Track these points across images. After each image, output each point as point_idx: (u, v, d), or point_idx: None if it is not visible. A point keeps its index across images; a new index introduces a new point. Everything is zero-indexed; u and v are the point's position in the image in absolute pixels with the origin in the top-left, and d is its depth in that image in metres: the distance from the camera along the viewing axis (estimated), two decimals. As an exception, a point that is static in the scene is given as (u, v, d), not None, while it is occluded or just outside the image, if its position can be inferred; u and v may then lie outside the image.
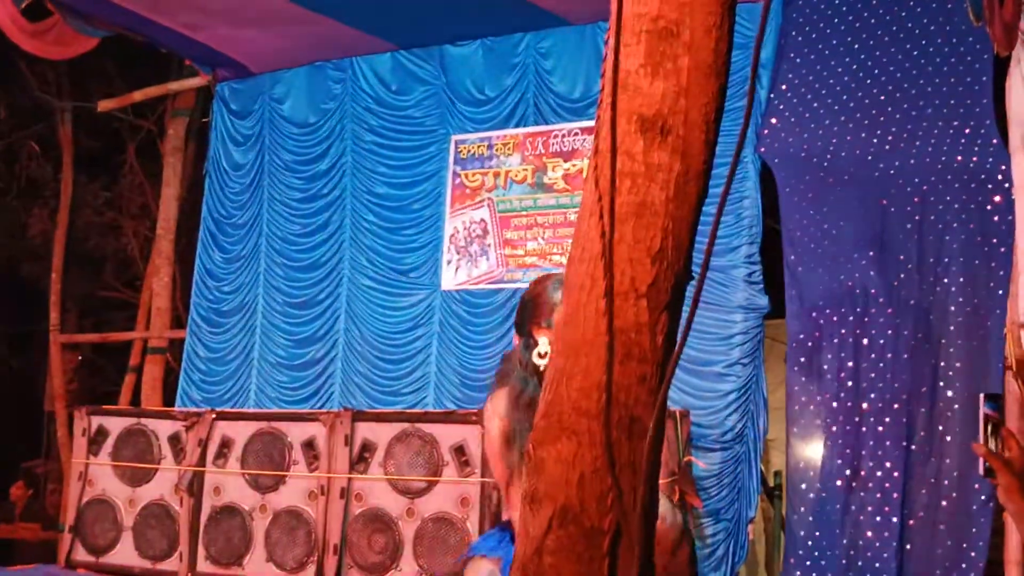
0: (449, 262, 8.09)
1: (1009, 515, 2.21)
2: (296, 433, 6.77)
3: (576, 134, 7.73)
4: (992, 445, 2.24)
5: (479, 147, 8.12)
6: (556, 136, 7.82)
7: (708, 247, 1.97)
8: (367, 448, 6.60)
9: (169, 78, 10.58)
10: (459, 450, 6.34)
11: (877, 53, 6.43)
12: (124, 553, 7.03)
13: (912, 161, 6.25)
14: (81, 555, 7.14)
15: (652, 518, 2.02)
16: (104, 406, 8.07)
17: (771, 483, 7.64)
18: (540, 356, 3.07)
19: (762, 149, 6.78)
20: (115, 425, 7.23)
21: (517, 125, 8.01)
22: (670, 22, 2.19)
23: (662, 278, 2.11)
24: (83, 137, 12.63)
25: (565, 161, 7.74)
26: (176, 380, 9.52)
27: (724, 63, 2.22)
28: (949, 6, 6.29)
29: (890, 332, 6.09)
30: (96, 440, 7.27)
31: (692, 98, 2.15)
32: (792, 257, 6.44)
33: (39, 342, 14.05)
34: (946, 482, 5.77)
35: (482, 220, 8.02)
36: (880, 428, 5.97)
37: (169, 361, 10.31)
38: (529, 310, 3.16)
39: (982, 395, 2.31)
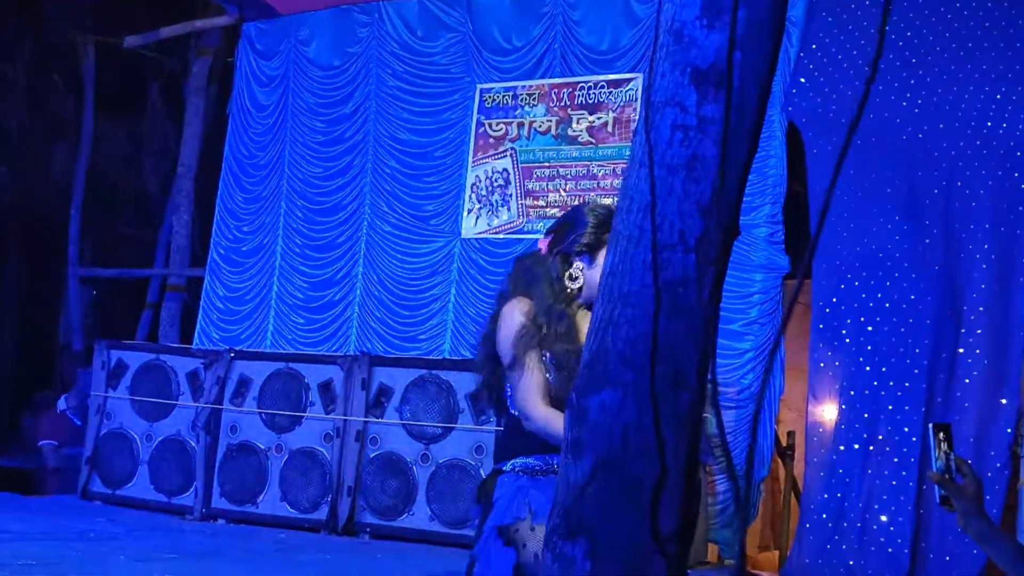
0: (470, 211, 8.06)
1: (972, 538, 2.24)
2: (314, 375, 6.78)
3: (602, 87, 7.67)
4: (945, 472, 2.29)
5: (504, 96, 8.06)
6: (582, 88, 7.75)
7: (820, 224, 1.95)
8: (384, 393, 6.61)
9: (195, 16, 10.50)
10: (475, 398, 6.35)
11: (910, 15, 6.34)
12: (140, 486, 7.07)
13: (942, 126, 6.18)
14: (97, 487, 7.18)
15: (694, 472, 2.01)
16: (124, 341, 8.09)
17: (784, 443, 7.64)
18: (571, 279, 3.16)
19: (789, 108, 6.71)
20: (134, 360, 7.25)
21: (543, 76, 7.95)
22: (730, -27, 2.15)
23: (711, 232, 2.09)
24: (106, 74, 12.57)
25: (590, 114, 7.67)
26: (193, 318, 9.53)
27: (780, 18, 2.18)
28: (987, -32, 6.20)
29: (913, 297, 6.05)
30: (115, 374, 7.29)
31: (748, 51, 2.12)
32: (817, 218, 6.38)
33: (57, 276, 14.08)
34: (962, 448, 5.76)
35: (504, 170, 7.97)
36: (899, 393, 5.95)
37: (187, 300, 10.32)
38: (565, 232, 3.19)
39: (931, 424, 2.34)
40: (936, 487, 2.28)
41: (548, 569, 1.98)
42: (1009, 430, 5.65)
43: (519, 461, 3.27)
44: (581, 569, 1.92)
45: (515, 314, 3.12)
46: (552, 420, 3.02)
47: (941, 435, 2.31)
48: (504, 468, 3.29)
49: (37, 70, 12.73)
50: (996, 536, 2.23)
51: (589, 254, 3.18)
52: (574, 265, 3.19)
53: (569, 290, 3.16)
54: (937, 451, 2.31)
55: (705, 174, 2.11)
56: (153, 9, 11.59)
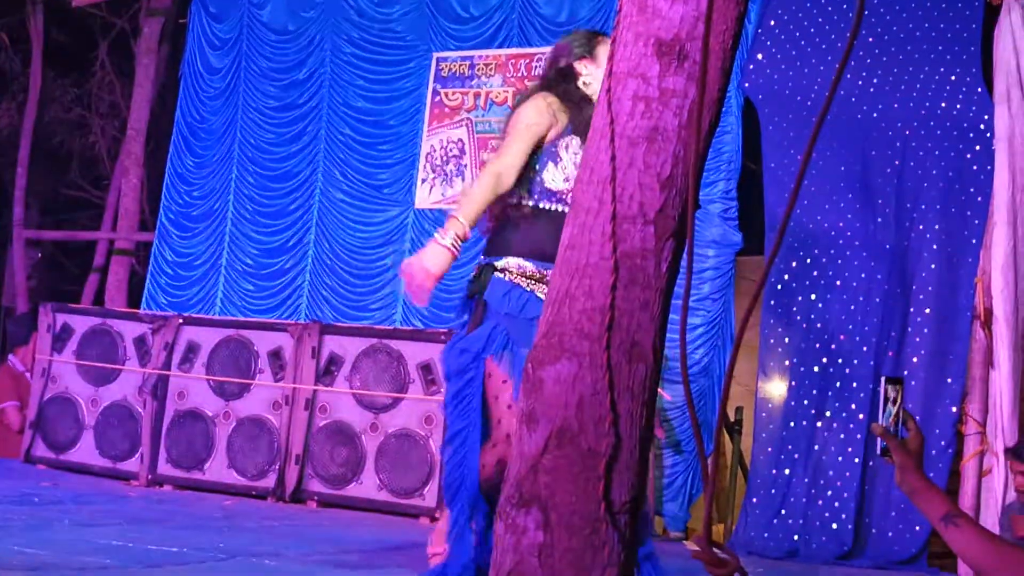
0: (424, 180, 8.04)
1: (906, 493, 2.29)
2: (263, 342, 6.74)
3: (560, 58, 7.64)
4: (891, 426, 2.32)
5: (461, 66, 8.02)
6: (539, 59, 7.72)
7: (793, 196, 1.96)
8: (334, 361, 6.58)
9: (146, -25, 10.35)
10: (425, 368, 6.34)
11: (868, -5, 6.38)
12: (84, 451, 7.00)
13: (896, 105, 6.24)
14: (41, 451, 7.10)
15: (647, 443, 2.03)
16: (70, 304, 7.99)
17: (732, 418, 7.71)
18: (585, 85, 3.59)
19: (746, 84, 6.74)
20: (80, 324, 7.16)
21: (500, 46, 7.92)
22: (694, -56, 2.15)
23: (670, 205, 2.10)
24: (54, 31, 12.35)
25: (548, 85, 7.66)
26: (141, 283, 9.44)
27: (745, -10, 2.19)
28: (944, -49, 6.25)
29: (863, 275, 6.12)
30: (60, 337, 7.20)
31: (711, 24, 2.12)
32: (772, 196, 6.43)
33: (1, 237, 13.88)
34: (907, 426, 5.84)
35: (460, 140, 7.95)
36: (847, 370, 6.02)
37: (134, 264, 10.22)
38: (557, 61, 3.62)
39: (883, 377, 2.38)
40: (879, 439, 2.31)
41: (501, 539, 1.99)
42: (954, 408, 5.74)
43: (513, 261, 3.36)
44: (533, 539, 1.93)
45: (531, 104, 3.50)
46: (482, 176, 3.47)
47: (892, 388, 2.34)
48: (497, 264, 3.39)
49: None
50: (930, 492, 2.26)
51: (589, 55, 3.61)
52: (583, 73, 3.59)
53: (587, 92, 3.53)
54: (886, 404, 2.34)
55: (666, 146, 2.11)
56: (104, -33, 11.41)
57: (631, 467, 1.97)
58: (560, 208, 3.50)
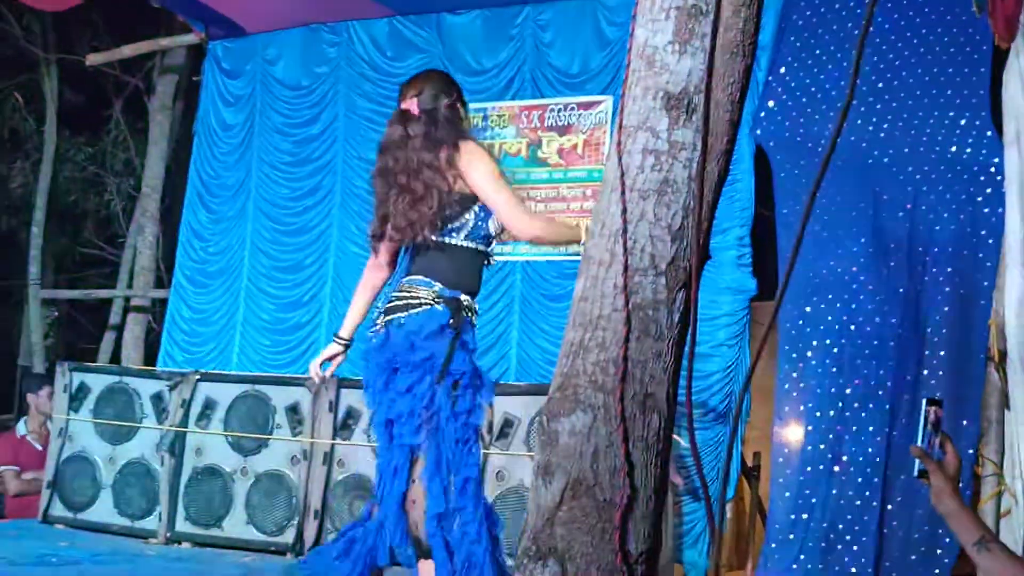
0: (439, 232, 8.08)
1: (942, 515, 2.30)
2: (280, 397, 6.76)
3: (572, 108, 7.73)
4: (930, 448, 2.34)
5: (474, 118, 8.07)
6: (552, 110, 7.81)
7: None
8: (351, 415, 6.60)
9: (159, 34, 10.49)
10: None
11: (877, 40, 6.44)
12: (102, 511, 7.00)
13: (906, 150, 6.28)
14: (59, 511, 7.11)
15: (663, 493, 2.05)
16: (87, 363, 8.03)
17: (750, 463, 7.70)
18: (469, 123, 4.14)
19: (757, 131, 6.79)
20: (97, 382, 7.19)
21: (513, 97, 8.00)
22: (700, 0, 2.21)
23: (681, 256, 2.14)
24: (68, 91, 12.54)
25: (560, 135, 7.73)
26: (157, 340, 9.49)
27: (751, 43, 2.24)
28: (951, -4, 6.32)
29: (877, 320, 6.13)
30: (77, 396, 7.23)
31: (719, 77, 2.17)
32: (784, 241, 6.47)
33: (17, 296, 13.98)
34: (926, 469, 5.82)
35: (473, 191, 8.00)
36: (863, 414, 6.02)
37: (151, 321, 10.28)
38: (428, 89, 4.04)
39: (924, 399, 2.40)
40: (917, 461, 2.33)
41: (519, 591, 2.01)
42: (971, 451, 5.72)
43: (466, 297, 3.87)
44: (552, 591, 1.95)
45: (484, 152, 3.89)
46: (545, 222, 3.98)
47: (932, 410, 2.36)
48: (462, 300, 3.85)
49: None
50: (965, 516, 2.28)
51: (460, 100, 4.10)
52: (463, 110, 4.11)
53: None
54: (925, 426, 2.36)
55: (676, 198, 2.16)
56: (116, 27, 11.58)
57: (647, 517, 1.99)
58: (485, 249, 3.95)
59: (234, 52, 9.22)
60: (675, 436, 6.32)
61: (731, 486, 6.87)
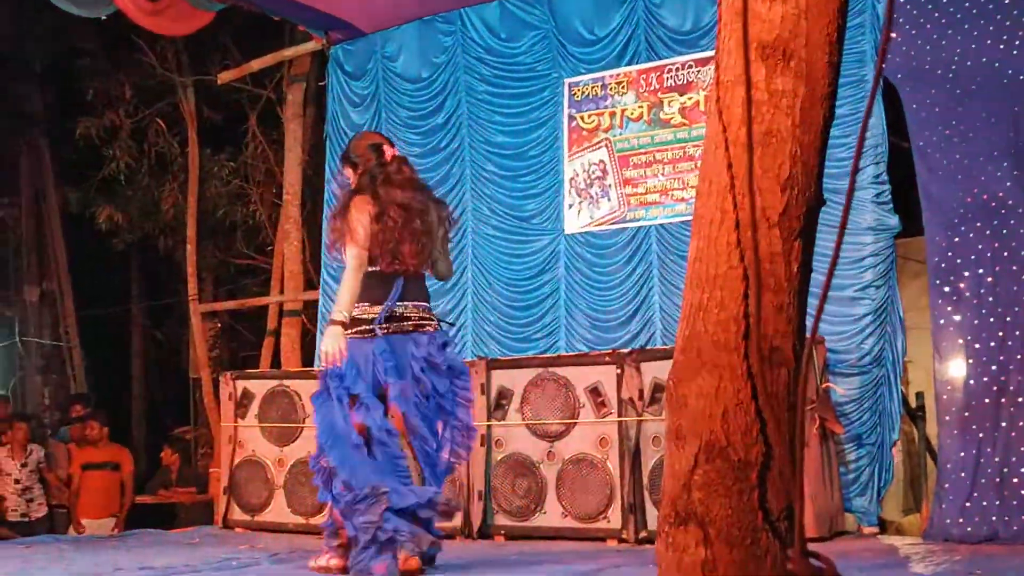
0: (571, 205, 8.08)
1: None
2: (433, 385, 6.86)
3: (690, 66, 7.62)
4: None
5: (593, 88, 8.06)
6: (670, 70, 7.71)
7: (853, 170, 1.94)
8: (503, 395, 6.67)
9: (284, 45, 10.72)
10: (594, 391, 6.37)
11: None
12: (277, 511, 7.24)
13: (1043, 65, 6.00)
14: (237, 514, 7.38)
15: (799, 447, 2.01)
16: (247, 370, 8.29)
17: (913, 404, 7.49)
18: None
19: (883, 65, 6.57)
20: (259, 388, 7.42)
21: (629, 62, 7.92)
22: (784, -57, 2.14)
23: (793, 205, 2.09)
24: (205, 110, 12.92)
25: (680, 95, 7.63)
26: (313, 340, 9.72)
27: (843, -18, 2.16)
28: None
29: (1030, 243, 5.88)
30: (242, 403, 7.47)
31: (813, 20, 2.11)
32: (924, 175, 6.25)
33: (180, 313, 14.51)
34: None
35: (601, 161, 7.97)
36: (1026, 341, 5.79)
37: (305, 322, 10.55)
38: (360, 163, 5.11)
39: None
40: None
41: (662, 558, 1.99)
42: None
43: None
44: (695, 556, 1.94)
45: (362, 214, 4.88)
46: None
47: None
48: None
49: (138, 113, 13.13)
50: None
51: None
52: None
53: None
54: None
55: (781, 148, 2.11)
56: (243, 44, 11.88)
57: (784, 473, 1.95)
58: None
59: (354, 54, 9.36)
60: (831, 384, 6.20)
61: (895, 429, 6.69)
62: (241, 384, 7.54)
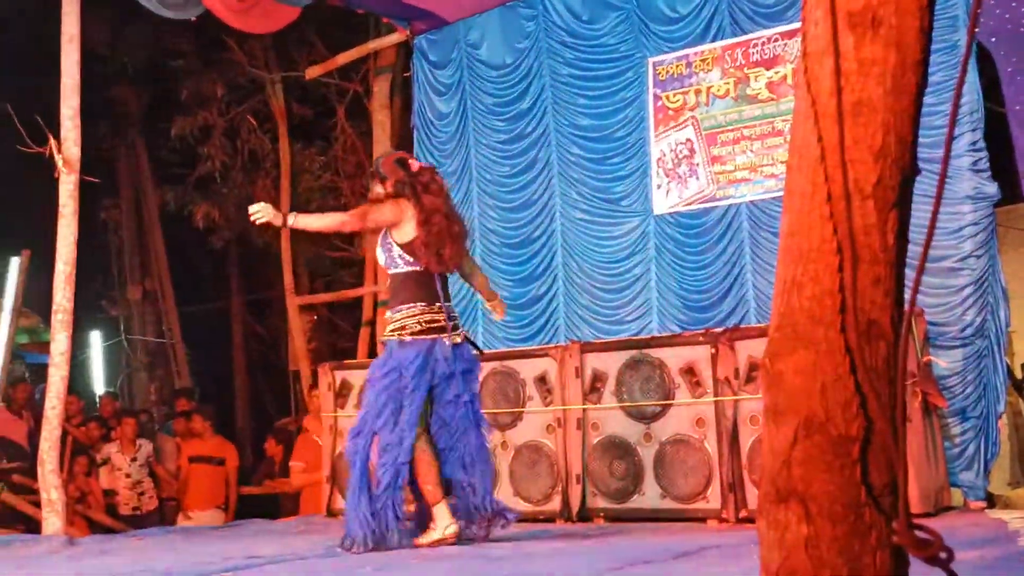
0: (659, 186, 8.02)
1: None
2: (528, 370, 6.89)
3: (776, 40, 7.50)
4: None
5: (677, 66, 7.98)
6: (755, 45, 7.60)
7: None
8: (598, 378, 6.66)
9: (368, 38, 10.81)
10: (689, 371, 6.33)
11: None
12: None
13: None
14: (340, 503, 7.47)
15: (900, 420, 1.97)
16: (346, 361, 8.40)
17: (1019, 375, 7.32)
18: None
19: (976, 30, 6.41)
20: (357, 378, 7.51)
21: (714, 39, 7.83)
22: (870, -93, 2.09)
23: (887, 176, 2.04)
24: (295, 106, 13.09)
25: (767, 69, 7.52)
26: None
27: (932, -56, 2.10)
28: None
29: None
30: (342, 393, 7.57)
31: (901, -16, 2.05)
32: (1021, 139, 6.09)
33: (278, 307, 14.75)
34: None
35: (688, 140, 7.90)
36: None
37: (399, 312, 10.61)
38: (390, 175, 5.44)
39: None
40: None
41: (764, 536, 1.97)
42: None
43: None
44: (797, 533, 1.91)
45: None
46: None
47: None
48: None
49: (230, 111, 13.35)
50: None
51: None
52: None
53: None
54: None
55: (873, 117, 2.06)
56: (329, 39, 12.01)
57: (886, 447, 1.92)
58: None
59: (438, 43, 9.40)
60: (932, 358, 6.06)
61: (1000, 401, 6.53)
62: (340, 375, 7.65)
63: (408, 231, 5.33)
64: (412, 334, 5.29)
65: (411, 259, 5.33)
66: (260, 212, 5.14)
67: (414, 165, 5.49)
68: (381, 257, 5.48)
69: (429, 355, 5.28)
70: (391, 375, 5.29)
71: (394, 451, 5.18)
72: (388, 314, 5.47)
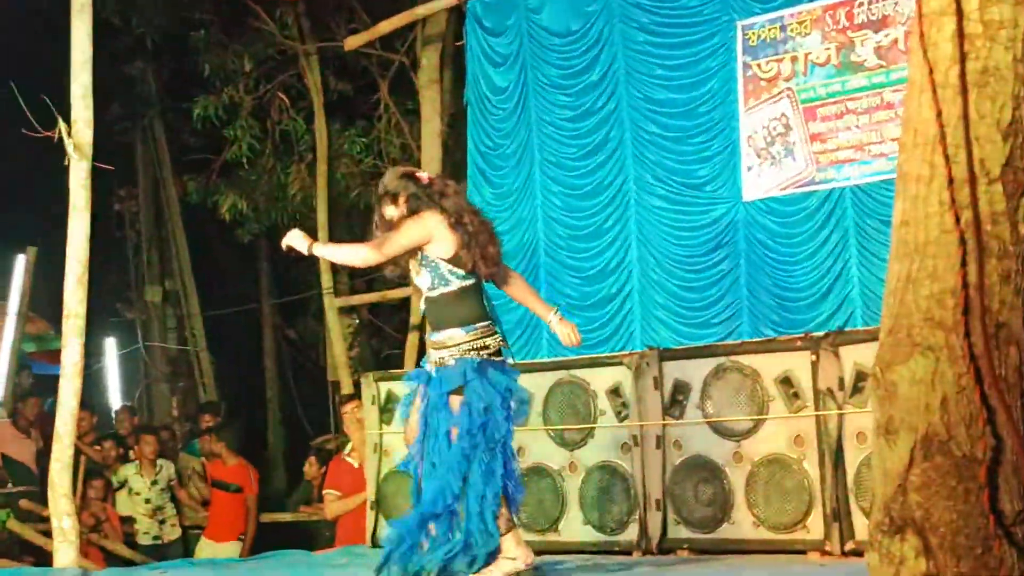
0: (750, 168, 7.98)
1: None
2: (599, 380, 6.89)
3: (885, -2, 7.45)
4: None
5: (770, 30, 7.93)
6: (861, 4, 7.53)
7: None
8: (680, 390, 6.64)
9: (415, 3, 10.82)
10: (786, 381, 6.29)
11: None
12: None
13: None
14: (385, 531, 7.51)
15: (1036, 439, 1.95)
16: (391, 371, 8.43)
17: None
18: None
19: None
20: (404, 390, 7.52)
21: (812, -2, 7.78)
22: None
23: (1018, 156, 2.02)
24: (332, 80, 13.15)
25: (875, 32, 7.44)
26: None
27: None
28: None
29: None
30: (387, 408, 7.59)
31: (1033, -67, 2.03)
32: None
33: (314, 309, 14.84)
34: None
35: (783, 115, 7.86)
36: None
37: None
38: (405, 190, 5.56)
39: None
40: None
41: (876, 571, 1.96)
42: None
43: None
44: (915, 569, 1.89)
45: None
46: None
47: None
48: None
49: (259, 87, 13.36)
50: None
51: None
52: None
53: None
54: None
55: (1001, 88, 2.04)
56: (370, 4, 12.05)
57: (1018, 470, 1.90)
58: None
59: (494, 7, 9.40)
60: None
61: None
62: (385, 386, 7.67)
63: (446, 242, 5.39)
64: (490, 355, 5.47)
65: (463, 272, 5.42)
66: (288, 238, 5.52)
67: (423, 177, 5.64)
68: (425, 280, 5.49)
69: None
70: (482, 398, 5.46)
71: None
72: (458, 332, 5.49)
